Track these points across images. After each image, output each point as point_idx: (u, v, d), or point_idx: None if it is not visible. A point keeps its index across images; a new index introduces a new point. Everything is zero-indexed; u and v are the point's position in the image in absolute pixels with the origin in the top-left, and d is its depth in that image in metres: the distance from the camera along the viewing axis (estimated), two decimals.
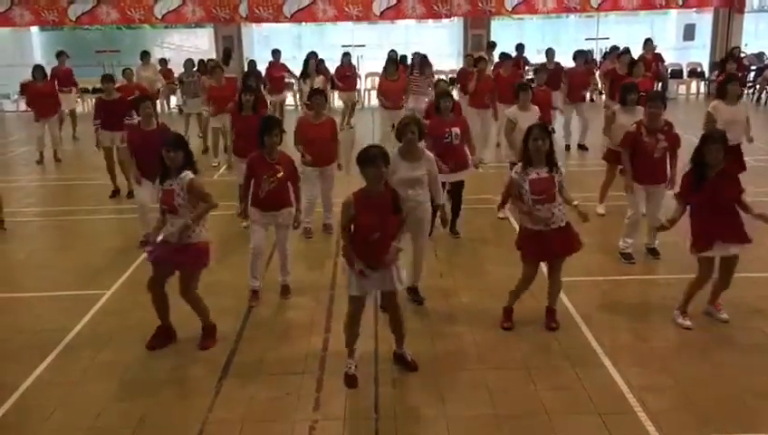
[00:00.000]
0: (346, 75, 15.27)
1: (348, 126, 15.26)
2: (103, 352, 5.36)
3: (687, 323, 5.53)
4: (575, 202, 5.36)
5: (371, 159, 4.49)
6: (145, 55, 15.69)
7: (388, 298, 4.90)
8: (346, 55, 15.50)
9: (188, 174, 5.13)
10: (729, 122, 6.58)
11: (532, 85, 9.14)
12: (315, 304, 6.12)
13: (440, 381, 4.83)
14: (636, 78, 9.94)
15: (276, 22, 18.83)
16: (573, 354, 5.13)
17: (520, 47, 15.79)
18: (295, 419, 4.44)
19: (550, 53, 13.69)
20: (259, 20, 18.40)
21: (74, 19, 18.25)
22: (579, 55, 12.57)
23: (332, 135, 7.77)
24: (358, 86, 17.01)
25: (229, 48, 17.21)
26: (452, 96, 7.66)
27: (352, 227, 4.62)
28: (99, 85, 12.18)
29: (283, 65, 15.39)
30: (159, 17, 18.26)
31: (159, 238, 5.35)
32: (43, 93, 12.35)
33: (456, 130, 7.24)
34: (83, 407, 4.62)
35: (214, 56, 17.39)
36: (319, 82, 12.15)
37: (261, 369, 5.06)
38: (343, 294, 6.01)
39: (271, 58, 15.45)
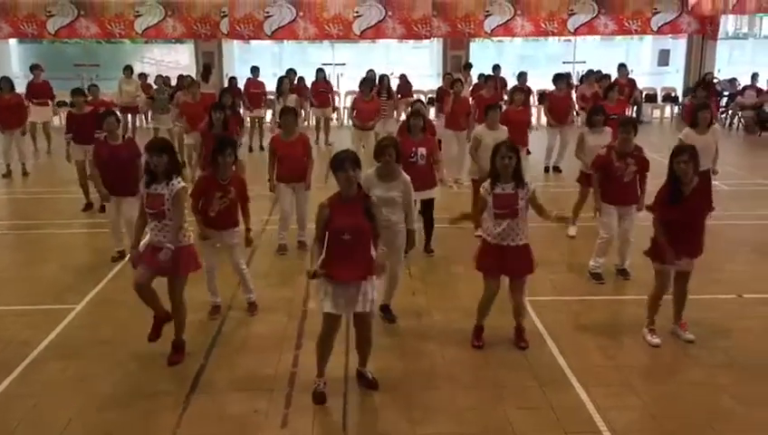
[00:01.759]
0: (320, 91, 15.37)
1: (326, 144, 15.29)
2: (71, 367, 5.30)
3: (656, 340, 5.62)
4: (554, 212, 5.52)
5: (340, 163, 4.60)
6: (127, 69, 15.69)
7: (360, 319, 4.84)
8: (320, 71, 15.64)
9: (180, 182, 5.15)
10: (699, 150, 6.75)
11: (504, 106, 9.30)
12: (287, 321, 6.11)
13: (409, 399, 4.84)
14: (611, 102, 10.15)
15: (257, 39, 18.90)
16: (542, 374, 5.16)
17: (496, 68, 15.99)
18: None
19: (522, 76, 13.93)
20: (240, 37, 18.42)
21: (53, 32, 18.15)
22: (559, 79, 12.64)
23: (305, 152, 7.84)
24: (336, 103, 17.12)
25: (209, 64, 17.23)
26: (423, 116, 7.76)
27: (326, 233, 4.62)
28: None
29: (261, 82, 15.45)
30: (140, 32, 18.22)
31: (143, 244, 5.36)
32: (8, 105, 12.15)
33: (423, 150, 7.32)
34: (48, 422, 4.57)
35: (194, 72, 17.40)
36: (292, 100, 12.19)
37: (230, 385, 5.03)
38: (316, 312, 6.10)
39: (250, 75, 15.53)
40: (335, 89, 17.03)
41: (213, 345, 5.67)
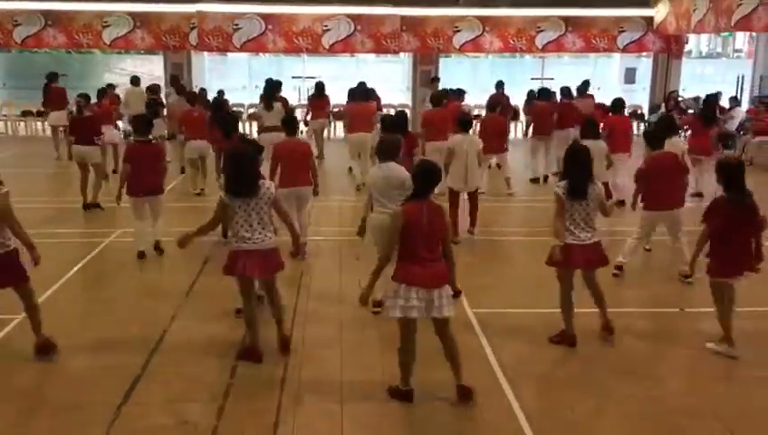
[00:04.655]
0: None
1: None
2: (3, 377, 5.24)
3: (735, 352, 5.64)
4: None
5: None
6: (135, 80, 15.79)
7: (439, 325, 4.86)
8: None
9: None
10: None
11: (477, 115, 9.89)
12: (228, 331, 6.06)
13: (345, 412, 4.82)
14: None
15: (226, 51, 18.87)
16: (480, 385, 5.11)
17: (499, 85, 15.63)
18: None
19: (499, 85, 14.45)
20: (209, 49, 18.37)
21: (20, 42, 17.98)
22: (542, 93, 13.44)
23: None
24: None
25: (176, 75, 17.15)
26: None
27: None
28: (42, 109, 14.31)
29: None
30: (108, 43, 18.08)
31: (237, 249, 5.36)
32: None
33: None
34: None
35: (162, 83, 17.31)
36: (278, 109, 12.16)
37: (164, 395, 5.00)
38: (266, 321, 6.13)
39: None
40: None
41: (152, 355, 5.61)
